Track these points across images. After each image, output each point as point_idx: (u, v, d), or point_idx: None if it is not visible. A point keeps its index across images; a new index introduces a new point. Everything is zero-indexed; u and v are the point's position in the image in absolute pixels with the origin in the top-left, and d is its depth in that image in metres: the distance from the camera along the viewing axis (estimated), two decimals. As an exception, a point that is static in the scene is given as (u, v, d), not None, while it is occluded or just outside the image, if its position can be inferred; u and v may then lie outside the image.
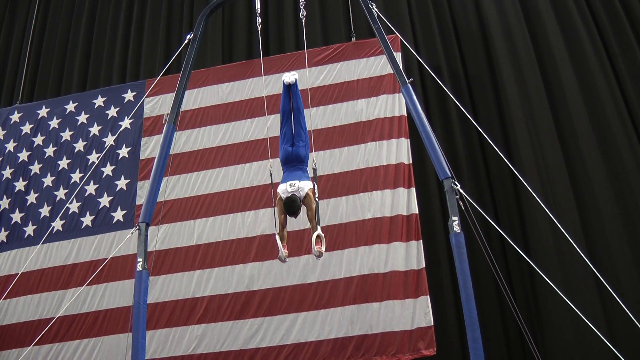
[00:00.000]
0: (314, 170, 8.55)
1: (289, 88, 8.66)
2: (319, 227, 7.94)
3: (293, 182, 8.05)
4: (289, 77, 8.65)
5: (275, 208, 8.24)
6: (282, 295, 10.84)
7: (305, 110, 8.77)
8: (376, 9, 9.03)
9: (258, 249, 11.15)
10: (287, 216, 8.20)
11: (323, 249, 7.89)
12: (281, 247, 7.92)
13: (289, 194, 7.98)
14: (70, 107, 13.60)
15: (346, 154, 11.46)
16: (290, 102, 8.65)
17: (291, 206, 7.94)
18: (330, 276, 10.73)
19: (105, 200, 12.48)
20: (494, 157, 10.51)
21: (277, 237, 8.04)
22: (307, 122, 8.59)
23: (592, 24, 12.01)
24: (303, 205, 8.07)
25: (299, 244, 10.82)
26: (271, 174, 8.67)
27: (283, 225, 8.19)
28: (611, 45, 11.75)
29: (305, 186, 8.03)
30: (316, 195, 8.12)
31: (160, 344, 11.01)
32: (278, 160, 8.65)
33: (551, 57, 11.88)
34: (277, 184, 8.24)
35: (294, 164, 8.31)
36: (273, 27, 14.10)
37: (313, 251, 7.82)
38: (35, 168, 13.25)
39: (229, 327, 10.88)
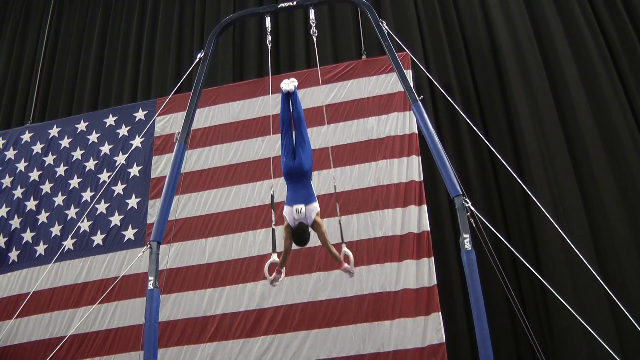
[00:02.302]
0: (334, 186, 8.68)
1: (288, 96, 8.38)
2: (344, 245, 8.04)
3: (299, 207, 7.76)
4: (288, 84, 8.38)
5: (277, 229, 8.23)
6: (293, 313, 10.80)
7: (316, 128, 8.75)
8: (386, 27, 9.01)
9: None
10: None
11: (351, 266, 8.01)
12: (267, 274, 8.03)
13: (297, 222, 7.76)
14: (82, 126, 13.66)
15: (357, 172, 11.43)
16: (290, 111, 8.37)
17: (301, 238, 7.83)
18: (342, 294, 10.69)
19: (116, 219, 12.49)
20: (505, 173, 10.50)
21: (266, 266, 8.12)
22: (319, 139, 8.55)
23: (602, 41, 12.02)
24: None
25: (309, 262, 10.86)
26: (272, 196, 8.56)
27: (288, 251, 8.02)
28: (621, 62, 11.75)
29: (312, 211, 7.83)
30: (339, 217, 8.21)
31: (172, 362, 11.01)
32: (280, 181, 8.67)
33: (561, 74, 11.88)
34: (280, 205, 8.16)
35: (297, 179, 7.99)
36: (284, 45, 14.14)
37: (349, 269, 7.97)
38: (46, 187, 13.29)
39: (240, 345, 10.84)
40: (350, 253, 8.03)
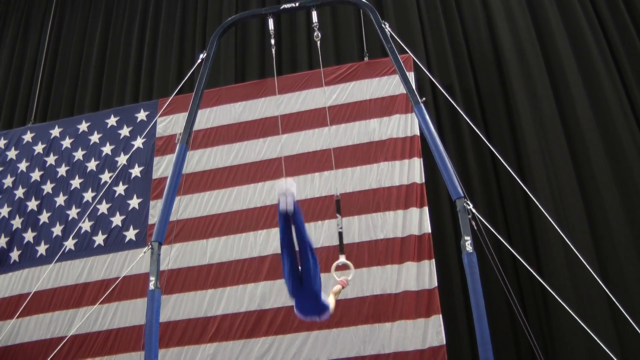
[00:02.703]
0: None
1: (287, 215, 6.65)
2: (342, 256, 8.06)
3: (314, 317, 7.34)
4: (285, 198, 6.46)
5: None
6: (294, 314, 10.73)
7: (317, 129, 8.68)
8: (389, 29, 9.02)
9: (270, 268, 11.10)
10: None
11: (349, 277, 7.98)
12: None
13: None
14: (83, 126, 13.66)
15: (358, 174, 11.42)
16: (292, 230, 6.79)
17: None
18: (342, 296, 10.58)
19: (117, 220, 12.49)
20: (507, 176, 10.49)
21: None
22: (320, 141, 8.50)
23: (604, 44, 12.01)
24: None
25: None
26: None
27: None
28: (624, 65, 11.74)
29: (327, 315, 7.33)
30: (340, 227, 8.19)
31: (172, 363, 11.01)
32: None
33: (563, 76, 11.87)
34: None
35: (306, 300, 7.10)
36: (286, 46, 14.12)
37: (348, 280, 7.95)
38: (48, 187, 13.30)
39: (241, 346, 10.84)
40: (350, 264, 8.09)
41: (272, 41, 9.69)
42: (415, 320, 10.20)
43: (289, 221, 6.69)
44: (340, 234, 8.44)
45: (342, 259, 8.11)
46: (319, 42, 9.57)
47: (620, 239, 10.41)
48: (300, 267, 6.88)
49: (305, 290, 6.92)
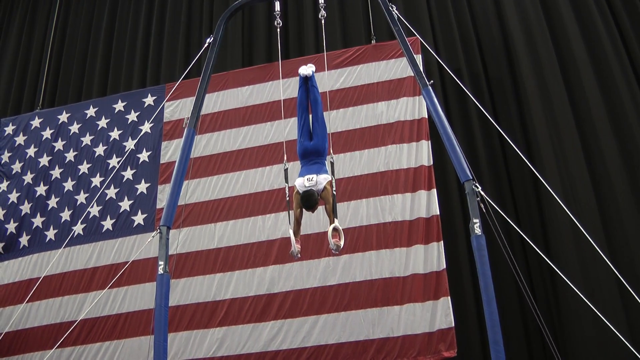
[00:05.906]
0: (332, 163, 8.30)
1: (306, 80, 8.62)
2: (336, 220, 7.85)
3: (310, 176, 7.86)
4: (306, 69, 8.61)
5: (292, 202, 8.14)
6: (303, 297, 10.82)
7: (325, 113, 8.70)
8: (396, 11, 8.95)
9: (278, 251, 11.12)
10: (303, 211, 8.04)
11: (341, 243, 7.73)
12: (294, 242, 7.78)
13: (306, 189, 7.81)
14: (91, 112, 13.68)
15: (366, 157, 11.42)
16: (308, 94, 8.60)
17: (308, 200, 7.78)
18: (351, 279, 10.69)
19: (125, 204, 12.53)
20: (515, 158, 10.46)
21: (290, 231, 7.90)
22: (327, 125, 8.49)
23: (614, 26, 11.94)
24: (321, 200, 7.93)
25: (319, 247, 10.82)
26: (286, 170, 8.54)
27: (298, 220, 8.05)
28: (633, 47, 11.68)
29: (323, 180, 7.86)
30: (334, 189, 8.04)
31: (182, 346, 11.03)
32: (292, 159, 8.66)
33: (572, 59, 11.81)
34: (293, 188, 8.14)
35: (311, 157, 8.13)
36: (293, 30, 14.07)
37: (330, 245, 7.62)
38: (56, 173, 13.34)
39: (250, 329, 10.88)
40: (339, 227, 7.83)
41: (278, 22, 9.61)
42: (424, 303, 10.22)
43: (307, 83, 8.60)
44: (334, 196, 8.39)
45: (336, 222, 8.01)
46: (323, 21, 9.52)
47: (629, 219, 10.40)
48: (311, 124, 8.41)
49: (313, 145, 8.23)
